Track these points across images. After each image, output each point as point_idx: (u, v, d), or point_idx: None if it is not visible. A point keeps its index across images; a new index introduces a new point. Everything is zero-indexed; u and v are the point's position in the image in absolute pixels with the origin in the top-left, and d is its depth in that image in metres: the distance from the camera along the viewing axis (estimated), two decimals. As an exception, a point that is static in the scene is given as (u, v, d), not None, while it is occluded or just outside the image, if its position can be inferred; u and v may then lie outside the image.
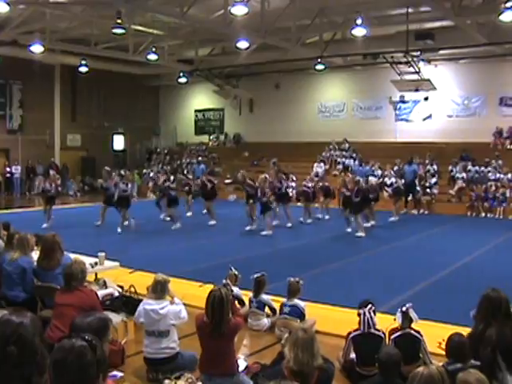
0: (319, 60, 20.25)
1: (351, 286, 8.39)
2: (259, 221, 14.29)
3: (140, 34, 19.69)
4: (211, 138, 29.48)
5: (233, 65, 23.48)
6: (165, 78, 27.85)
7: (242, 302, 6.80)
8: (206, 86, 27.24)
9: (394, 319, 5.22)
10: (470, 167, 20.03)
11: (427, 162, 20.61)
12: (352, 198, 13.66)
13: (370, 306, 5.18)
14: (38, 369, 2.04)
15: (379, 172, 20.08)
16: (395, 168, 19.39)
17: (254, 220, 14.44)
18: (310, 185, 16.42)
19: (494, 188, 18.38)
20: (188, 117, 30.28)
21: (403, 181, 18.15)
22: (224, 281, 6.49)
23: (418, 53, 19.58)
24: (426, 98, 22.18)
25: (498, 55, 19.73)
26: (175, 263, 9.80)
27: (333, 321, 6.49)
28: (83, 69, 22.74)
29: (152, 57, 20.58)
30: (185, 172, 24.30)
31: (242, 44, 17.80)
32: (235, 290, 6.64)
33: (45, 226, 13.79)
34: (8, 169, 24.37)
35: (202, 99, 29.55)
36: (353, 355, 5.17)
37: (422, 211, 18.81)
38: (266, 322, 6.58)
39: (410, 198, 18.64)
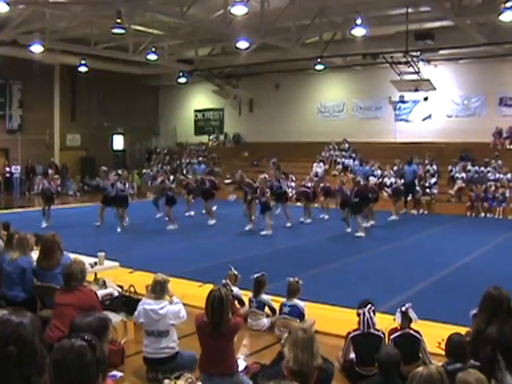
0: (319, 60, 20.25)
1: (351, 286, 8.39)
2: (259, 221, 14.29)
3: (140, 33, 19.69)
4: (211, 138, 29.48)
5: (233, 65, 23.48)
6: (164, 78, 27.85)
7: (241, 302, 6.80)
8: (205, 86, 27.24)
9: (394, 319, 5.22)
10: (469, 167, 20.03)
11: (427, 162, 20.61)
12: (351, 198, 13.66)
13: (369, 305, 5.18)
14: (37, 368, 2.04)
15: (379, 172, 20.10)
16: (395, 168, 19.40)
17: (253, 220, 14.43)
18: (309, 185, 16.43)
19: (493, 188, 18.39)
20: (188, 117, 30.28)
21: (403, 181, 18.17)
22: (224, 281, 6.49)
23: (418, 53, 19.59)
24: (426, 98, 22.18)
25: (498, 55, 19.73)
26: (175, 263, 9.80)
27: (332, 321, 6.50)
28: (83, 69, 22.74)
29: (152, 57, 20.57)
30: (184, 172, 24.36)
31: (242, 44, 17.79)
32: (235, 289, 6.64)
33: (44, 225, 13.81)
34: (8, 169, 24.36)
35: (201, 99, 29.55)
36: (352, 355, 5.17)
37: (421, 211, 18.81)
38: (265, 321, 6.58)
39: (409, 198, 18.65)
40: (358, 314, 5.15)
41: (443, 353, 4.54)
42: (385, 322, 5.55)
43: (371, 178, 17.87)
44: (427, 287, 8.48)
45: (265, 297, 6.71)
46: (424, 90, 21.22)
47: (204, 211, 16.07)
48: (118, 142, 29.64)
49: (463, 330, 4.83)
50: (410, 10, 16.99)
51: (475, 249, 11.78)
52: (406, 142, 22.45)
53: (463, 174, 19.74)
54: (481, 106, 21.76)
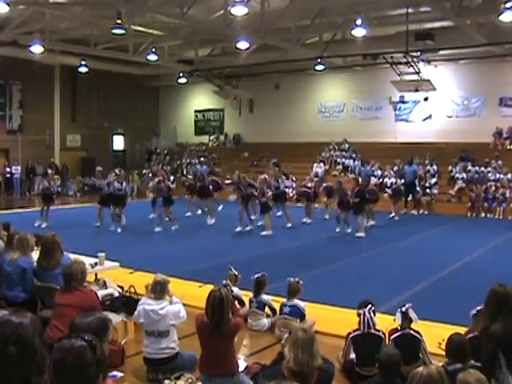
0: (319, 60, 20.27)
1: (351, 286, 8.39)
2: (246, 221, 14.23)
3: (140, 34, 19.70)
4: (211, 138, 29.49)
5: (233, 65, 23.49)
6: (165, 79, 27.86)
7: (241, 303, 6.80)
8: (205, 86, 27.25)
9: (394, 319, 5.22)
10: (469, 167, 20.03)
11: (427, 162, 20.61)
12: (349, 198, 13.65)
13: (369, 306, 5.18)
14: (37, 369, 2.04)
15: (379, 172, 20.09)
16: (395, 168, 19.40)
17: (253, 220, 14.42)
18: (310, 185, 16.43)
19: (493, 188, 18.39)
20: (188, 117, 30.29)
21: (403, 181, 18.17)
22: (224, 281, 6.49)
23: (418, 53, 19.61)
24: (426, 99, 22.19)
25: (498, 55, 19.74)
26: (175, 263, 9.81)
27: (332, 321, 6.49)
28: (83, 69, 22.76)
29: (152, 57, 20.58)
30: (184, 172, 24.37)
31: (242, 44, 17.80)
32: (235, 290, 6.64)
33: (44, 225, 13.81)
34: (8, 169, 24.37)
35: (201, 100, 29.56)
36: (353, 355, 5.17)
37: (421, 211, 18.80)
38: (265, 322, 6.58)
39: (409, 198, 18.64)
40: (359, 315, 5.15)
41: (443, 353, 4.53)
42: (385, 323, 5.54)
43: (372, 179, 17.87)
44: (427, 287, 8.47)
45: (265, 297, 6.71)
46: (424, 90, 21.23)
47: (199, 211, 16.05)
48: (118, 143, 29.65)
49: (463, 330, 4.82)
50: (410, 11, 17.01)
51: (475, 249, 11.78)
52: (406, 142, 22.45)
53: (463, 175, 19.74)
54: (481, 106, 21.76)
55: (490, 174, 19.35)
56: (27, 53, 18.46)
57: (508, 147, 20.69)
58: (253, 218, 14.69)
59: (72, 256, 6.01)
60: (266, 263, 9.49)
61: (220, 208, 17.61)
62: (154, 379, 4.91)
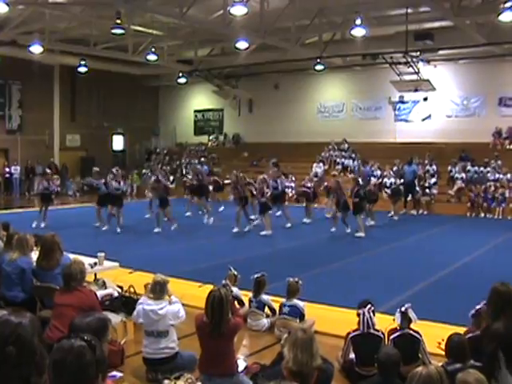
0: (318, 60, 20.27)
1: (350, 286, 8.39)
2: (244, 222, 14.20)
3: (139, 34, 19.69)
4: (210, 138, 29.48)
5: (232, 65, 23.49)
6: (164, 79, 27.86)
7: (241, 303, 6.80)
8: (205, 86, 27.24)
9: (393, 319, 5.22)
10: (469, 167, 20.03)
11: (426, 162, 20.61)
12: (351, 197, 13.65)
13: (369, 306, 5.18)
14: (36, 369, 2.04)
15: (378, 172, 20.09)
16: (394, 168, 19.39)
17: (250, 220, 14.38)
18: (309, 185, 16.42)
19: (493, 188, 18.39)
20: (187, 117, 30.28)
21: (402, 181, 18.16)
22: (223, 281, 6.49)
23: (418, 53, 19.62)
24: (426, 99, 22.19)
25: (498, 55, 19.75)
26: (175, 263, 9.81)
27: (332, 321, 6.49)
28: (82, 69, 22.75)
29: (151, 57, 20.58)
30: (184, 172, 24.37)
31: (242, 44, 17.80)
32: (235, 290, 6.64)
33: (43, 225, 13.80)
34: (7, 169, 24.35)
35: (201, 99, 29.55)
36: (352, 355, 5.17)
37: (421, 211, 18.80)
38: (265, 322, 6.58)
39: (409, 198, 18.64)
40: (358, 315, 5.15)
41: (443, 353, 4.54)
42: (384, 323, 5.55)
43: (371, 179, 17.87)
44: (427, 287, 8.48)
45: (265, 297, 6.71)
46: (423, 90, 21.24)
47: (200, 212, 16.04)
48: (118, 143, 29.65)
49: (463, 330, 4.83)
50: (409, 11, 17.02)
51: (475, 249, 11.78)
52: (406, 142, 22.46)
53: (463, 175, 19.74)
54: (480, 106, 21.77)
55: (489, 174, 19.35)
56: (27, 53, 18.46)
57: (507, 147, 20.70)
58: (253, 217, 14.68)
59: (71, 256, 6.00)
60: (266, 263, 9.48)
61: (221, 209, 17.60)
62: (153, 379, 4.91)
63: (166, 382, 2.67)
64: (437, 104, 22.38)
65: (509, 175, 18.92)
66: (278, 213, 15.70)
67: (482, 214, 18.10)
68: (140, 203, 19.61)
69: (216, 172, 22.66)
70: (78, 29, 18.98)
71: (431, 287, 8.51)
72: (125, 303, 6.29)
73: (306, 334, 3.48)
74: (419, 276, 9.08)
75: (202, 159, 25.61)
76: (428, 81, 20.89)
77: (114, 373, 4.72)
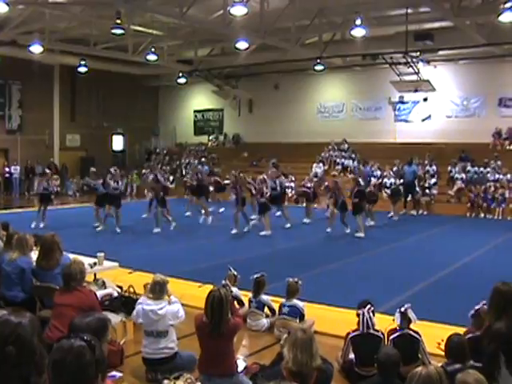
0: (318, 60, 20.27)
1: (350, 287, 8.39)
2: (242, 223, 14.20)
3: (139, 34, 19.69)
4: (210, 138, 29.48)
5: (232, 65, 23.49)
6: (164, 79, 27.86)
7: (241, 303, 6.80)
8: (205, 86, 27.25)
9: (393, 320, 5.22)
10: (469, 168, 20.04)
11: (426, 162, 20.61)
12: (350, 198, 13.64)
13: (369, 306, 5.18)
14: (36, 369, 2.04)
15: (378, 173, 20.09)
16: (394, 169, 19.39)
17: (248, 220, 14.36)
18: (309, 185, 16.42)
19: (493, 189, 18.39)
20: (187, 117, 30.28)
21: (401, 181, 18.15)
22: (223, 281, 6.49)
23: (418, 53, 19.63)
24: (426, 99, 22.20)
25: (497, 56, 19.76)
26: (174, 263, 9.81)
27: (332, 321, 6.49)
28: (82, 69, 22.74)
29: (151, 57, 20.57)
30: (183, 172, 24.36)
31: (242, 44, 17.80)
32: (234, 290, 6.64)
33: (42, 225, 13.79)
34: (7, 169, 24.35)
35: (201, 100, 29.55)
36: (352, 356, 5.16)
37: (421, 212, 18.80)
38: (264, 322, 6.58)
39: (409, 198, 18.64)
40: (358, 315, 5.15)
41: (443, 353, 4.54)
42: (384, 323, 5.55)
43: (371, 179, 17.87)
44: (426, 288, 8.48)
45: (264, 297, 6.71)
46: (423, 90, 21.25)
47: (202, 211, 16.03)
48: (118, 143, 29.65)
49: (462, 331, 4.83)
50: (409, 11, 17.02)
51: (475, 249, 11.79)
52: (406, 142, 22.45)
53: (463, 175, 19.74)
54: (480, 106, 21.77)
55: (489, 175, 19.35)
56: (27, 52, 18.46)
57: (507, 148, 20.71)
58: (253, 217, 14.67)
59: (71, 256, 6.00)
60: (266, 263, 9.48)
61: (221, 210, 17.60)
62: (152, 379, 4.91)
63: (166, 382, 2.67)
64: (437, 104, 22.39)
65: (509, 176, 18.92)
66: (278, 213, 15.69)
67: (482, 215, 18.11)
68: (140, 203, 19.60)
69: (216, 172, 22.67)
70: (77, 29, 18.98)
71: (431, 287, 8.51)
72: (124, 303, 6.29)
73: (306, 334, 3.48)
74: (419, 276, 9.08)
75: (203, 159, 25.63)
76: (428, 81, 20.89)
77: (114, 373, 4.71)
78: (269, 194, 14.12)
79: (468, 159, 20.40)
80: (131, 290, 6.66)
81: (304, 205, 16.63)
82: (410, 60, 19.83)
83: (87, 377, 2.07)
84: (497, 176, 19.13)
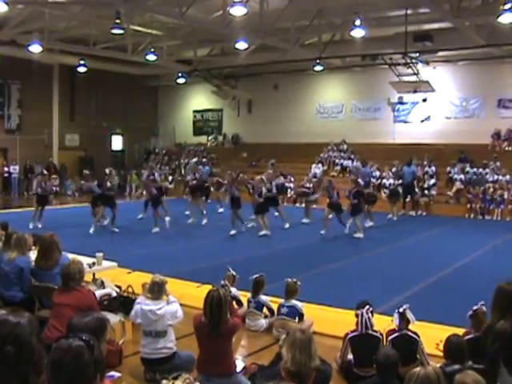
0: (318, 61, 20.28)
1: (349, 287, 8.39)
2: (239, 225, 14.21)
3: (139, 34, 19.69)
4: (210, 138, 29.47)
5: (231, 65, 23.49)
6: (163, 79, 27.84)
7: (239, 303, 6.79)
8: (204, 86, 27.23)
9: (392, 320, 5.22)
10: (468, 169, 20.05)
11: (425, 163, 20.62)
12: (348, 198, 13.64)
13: (367, 306, 5.18)
14: (35, 369, 2.04)
15: (377, 173, 20.10)
16: (393, 169, 19.38)
17: (242, 220, 14.31)
18: (308, 185, 16.43)
19: (491, 190, 18.41)
20: (186, 117, 30.27)
21: (400, 181, 18.16)
22: (222, 281, 6.48)
23: (417, 54, 19.62)
24: (425, 100, 22.19)
25: (497, 57, 19.78)
26: (173, 263, 9.81)
27: (330, 322, 6.49)
28: (82, 69, 22.71)
29: (151, 57, 20.55)
30: (183, 173, 24.34)
31: (241, 45, 17.81)
32: (233, 290, 6.63)
33: (40, 225, 13.77)
34: (6, 168, 24.31)
35: (200, 100, 29.55)
36: (350, 356, 5.16)
37: (420, 212, 18.80)
38: (263, 322, 6.58)
39: (408, 199, 18.64)
40: (356, 315, 5.15)
41: (441, 354, 4.54)
42: (383, 323, 5.55)
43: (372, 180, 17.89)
44: (425, 288, 8.48)
45: (263, 297, 6.71)
46: (423, 91, 21.25)
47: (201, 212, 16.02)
48: (117, 142, 29.62)
49: (461, 331, 4.83)
50: (408, 12, 17.02)
51: (473, 250, 11.80)
52: (405, 143, 22.45)
53: (462, 176, 19.75)
54: (479, 107, 21.78)
55: (488, 176, 19.37)
56: (26, 52, 18.42)
57: (506, 149, 20.72)
58: (253, 217, 14.65)
59: (70, 256, 6.00)
60: (264, 263, 9.48)
61: (221, 210, 17.60)
62: (151, 379, 4.91)
63: (164, 382, 2.68)
64: (436, 105, 22.40)
65: (507, 177, 18.93)
66: (276, 213, 15.68)
67: (481, 216, 18.12)
68: (139, 203, 19.57)
69: (215, 173, 22.69)
70: (77, 28, 18.97)
71: (430, 288, 8.52)
72: (123, 303, 6.29)
73: (305, 334, 3.48)
74: (418, 277, 9.09)
75: (204, 159, 25.63)
76: (427, 82, 20.90)
77: (112, 373, 4.71)
78: (263, 194, 14.08)
79: (467, 160, 20.41)
80: (130, 290, 6.66)
81: (303, 205, 16.62)
82: (409, 61, 19.84)
83: (86, 377, 2.07)
84: (496, 177, 19.14)
